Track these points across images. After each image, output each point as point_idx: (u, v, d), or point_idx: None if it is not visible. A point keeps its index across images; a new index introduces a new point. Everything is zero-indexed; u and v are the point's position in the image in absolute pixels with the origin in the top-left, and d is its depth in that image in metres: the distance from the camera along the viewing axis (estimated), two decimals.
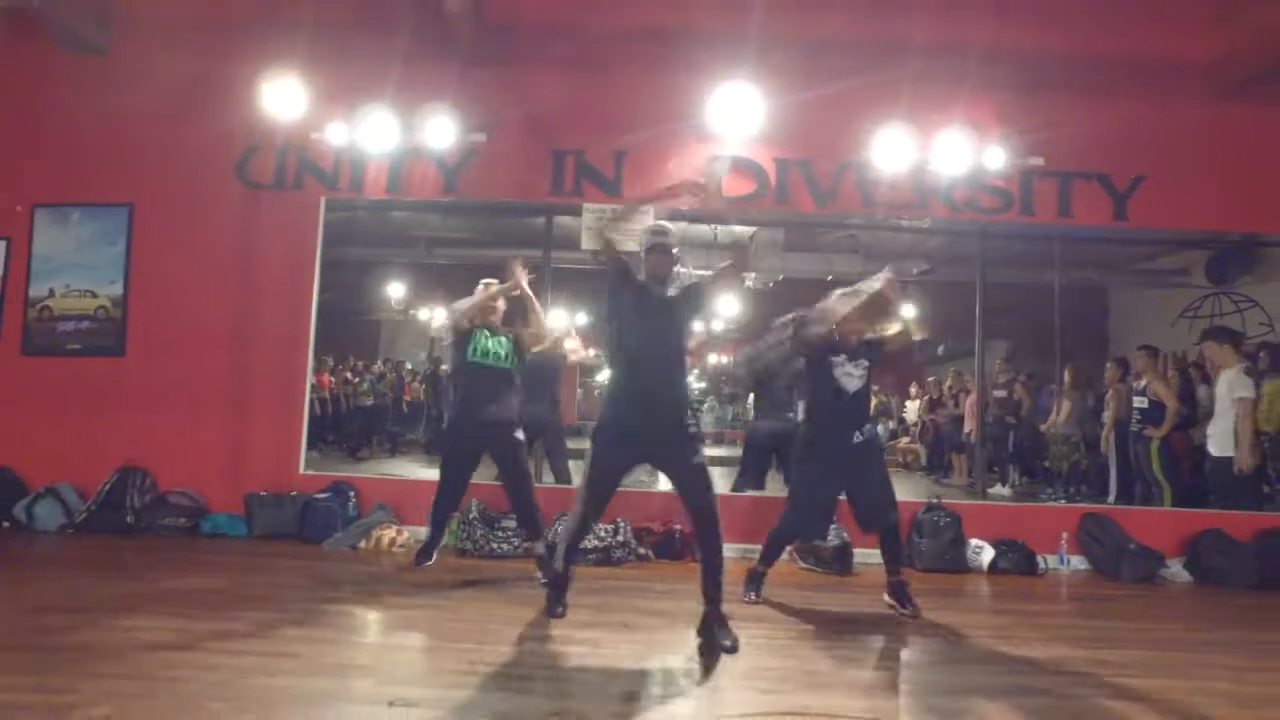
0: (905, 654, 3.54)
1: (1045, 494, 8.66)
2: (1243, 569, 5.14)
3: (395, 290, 11.35)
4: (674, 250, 3.52)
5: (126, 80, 5.73)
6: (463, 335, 4.57)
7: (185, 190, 5.74)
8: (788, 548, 4.73)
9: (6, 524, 5.39)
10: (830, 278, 8.36)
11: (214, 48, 5.73)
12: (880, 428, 12.92)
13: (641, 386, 3.40)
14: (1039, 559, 5.33)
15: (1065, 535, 5.41)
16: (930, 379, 12.02)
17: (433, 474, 4.90)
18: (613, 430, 3.42)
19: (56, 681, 2.77)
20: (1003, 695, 3.03)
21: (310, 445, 5.80)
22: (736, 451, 6.88)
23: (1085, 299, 10.13)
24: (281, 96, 5.44)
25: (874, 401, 4.45)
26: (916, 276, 9.18)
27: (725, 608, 3.45)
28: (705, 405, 11.76)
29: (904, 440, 12.33)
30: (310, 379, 5.75)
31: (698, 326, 5.28)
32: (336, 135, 5.53)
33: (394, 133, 5.47)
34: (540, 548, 4.57)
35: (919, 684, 3.16)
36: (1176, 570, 5.29)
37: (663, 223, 3.64)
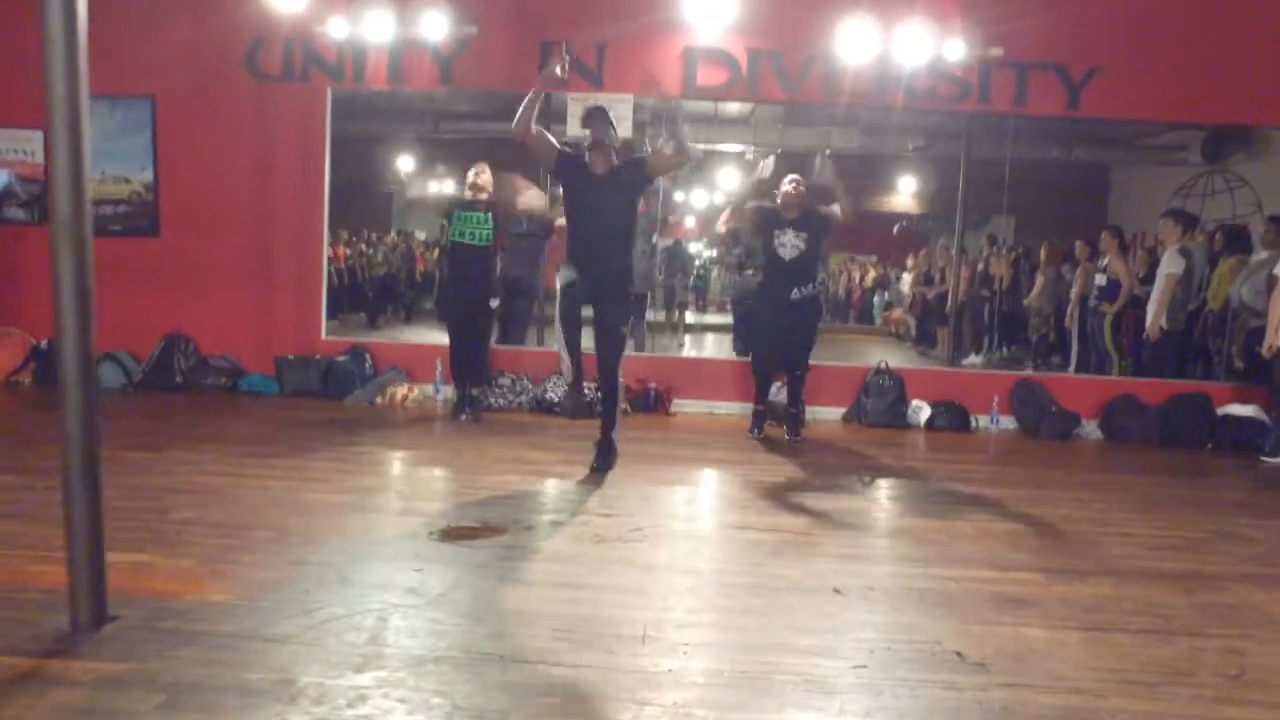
0: (814, 486, 4.35)
1: (1024, 364, 9.30)
2: (1145, 428, 5.88)
3: (405, 164, 11.79)
4: (609, 136, 4.09)
5: None
6: (446, 216, 5.33)
7: (200, 82, 6.21)
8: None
9: None
10: (828, 151, 8.76)
11: None
12: (876, 297, 13.64)
13: (582, 254, 4.13)
14: (972, 419, 6.08)
15: (996, 399, 6.14)
16: (922, 253, 12.49)
17: (441, 338, 5.81)
18: (564, 285, 4.15)
19: (150, 495, 3.62)
20: (883, 517, 3.84)
21: (330, 315, 6.54)
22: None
23: (1087, 175, 10.39)
24: None
25: (820, 271, 5.52)
26: (912, 151, 9.45)
27: (614, 436, 4.34)
28: (714, 274, 12.28)
29: (897, 311, 12.92)
30: (327, 254, 6.42)
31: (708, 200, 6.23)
32: (337, 28, 5.94)
33: (390, 25, 5.87)
34: (475, 391, 5.62)
35: (816, 509, 3.97)
36: (1090, 430, 6.03)
37: (599, 107, 4.18)
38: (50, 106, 2.22)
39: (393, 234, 13.68)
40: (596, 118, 4.10)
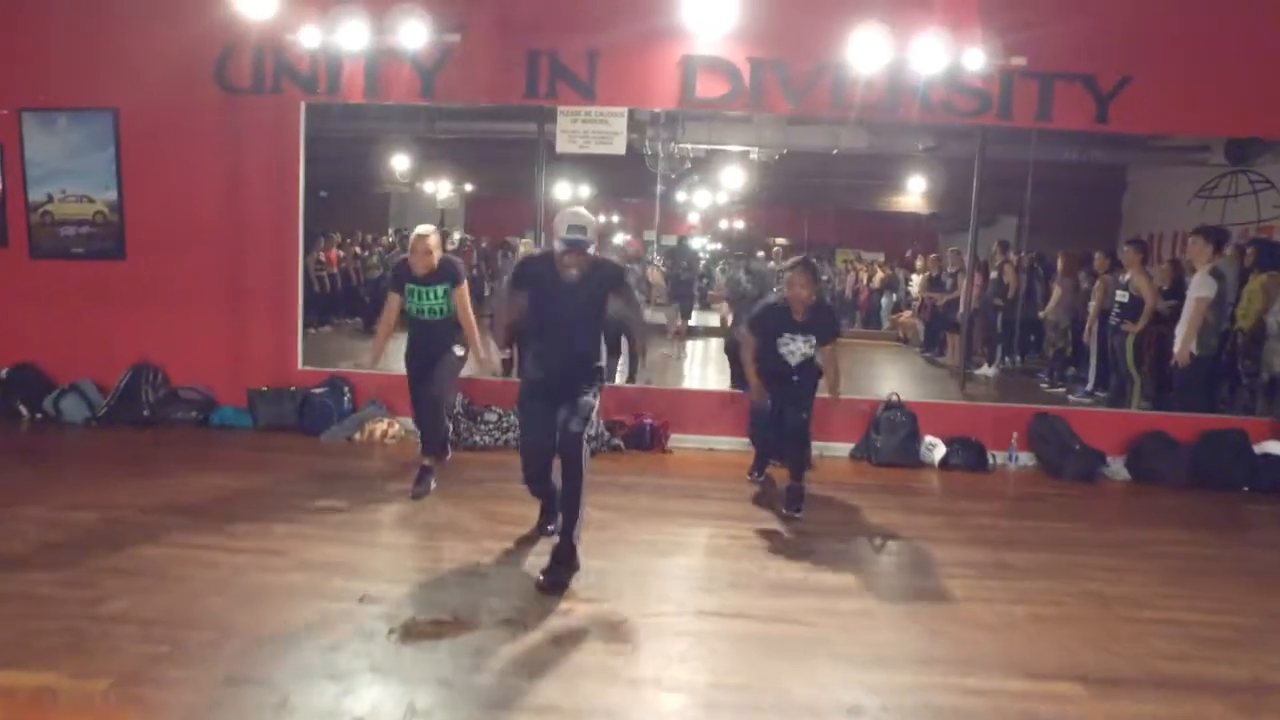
0: (817, 553, 3.97)
1: (1040, 374, 8.94)
2: (1176, 469, 5.47)
3: (400, 163, 11.48)
4: (588, 250, 3.52)
5: None
6: (397, 290, 4.52)
7: (166, 95, 5.82)
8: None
9: (39, 415, 5.89)
10: (835, 151, 8.36)
11: None
12: (884, 299, 13.23)
13: (546, 347, 3.69)
14: (989, 455, 5.69)
15: (1015, 435, 5.74)
16: (932, 255, 12.06)
17: None
18: (526, 387, 3.73)
19: (85, 577, 3.27)
20: (892, 598, 3.47)
21: (322, 322, 6.13)
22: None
23: (1102, 175, 9.97)
24: None
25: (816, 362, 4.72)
26: (922, 152, 9.09)
27: (574, 538, 3.47)
28: (718, 269, 11.86)
29: (905, 314, 12.51)
30: (308, 266, 6.04)
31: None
32: (310, 37, 5.53)
33: (366, 34, 5.46)
34: (427, 461, 4.59)
35: (821, 586, 3.59)
36: (1117, 469, 5.63)
37: (580, 214, 3.55)
38: None
39: (389, 235, 13.38)
40: (576, 233, 3.48)
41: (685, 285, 10.03)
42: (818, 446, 5.47)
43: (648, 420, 5.67)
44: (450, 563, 3.61)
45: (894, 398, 5.82)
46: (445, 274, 4.47)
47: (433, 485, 4.55)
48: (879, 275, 13.59)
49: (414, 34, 5.46)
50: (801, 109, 5.71)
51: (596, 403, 3.66)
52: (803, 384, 4.68)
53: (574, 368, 3.63)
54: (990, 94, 5.61)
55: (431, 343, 4.54)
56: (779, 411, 4.66)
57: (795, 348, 4.60)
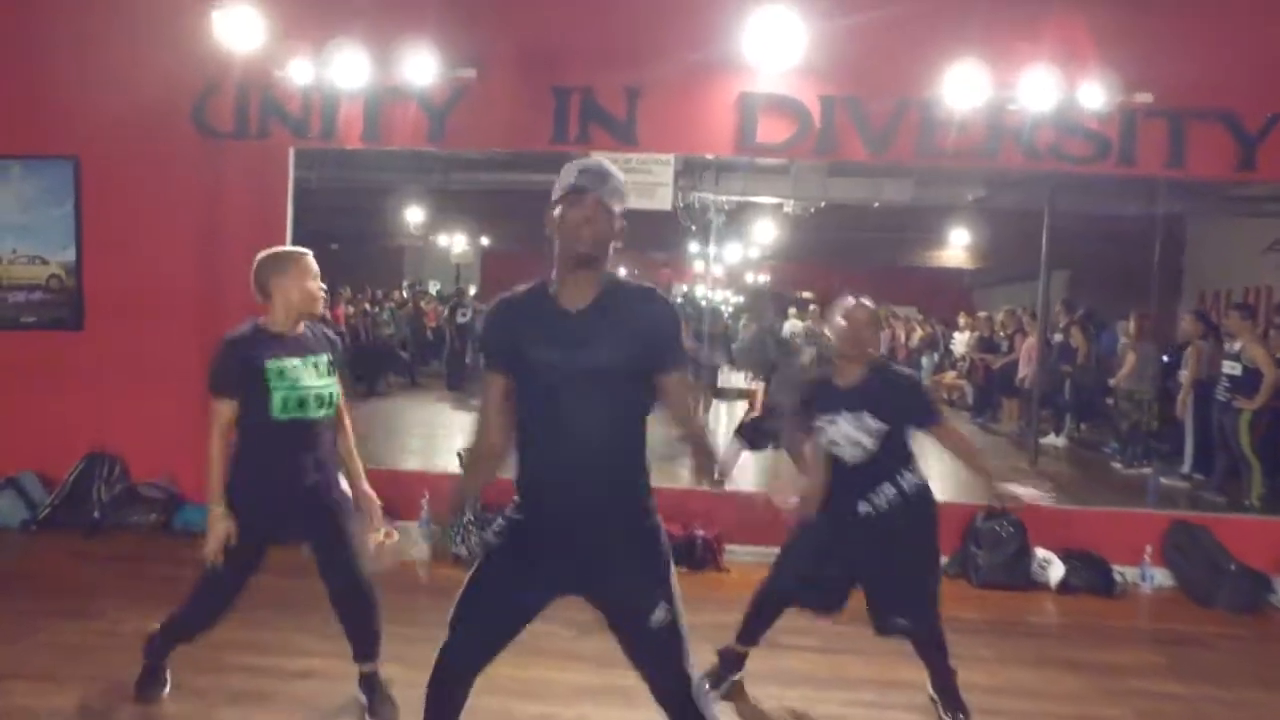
0: None
1: (1108, 449, 8.09)
2: None
3: (414, 215, 11.05)
4: (615, 208, 1.98)
5: (63, 10, 4.95)
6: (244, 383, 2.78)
7: (135, 141, 5.00)
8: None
9: None
10: (877, 204, 7.61)
11: None
12: (925, 359, 12.31)
13: (551, 476, 2.01)
14: (1116, 574, 4.63)
15: (1149, 549, 4.67)
16: (982, 314, 11.28)
17: (435, 458, 4.25)
18: (502, 532, 2.08)
19: None
20: None
21: None
22: None
23: (1156, 226, 9.29)
24: (237, 27, 4.64)
25: (899, 455, 2.97)
26: (972, 202, 8.42)
27: None
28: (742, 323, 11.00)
29: (950, 375, 11.69)
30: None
31: None
32: (301, 73, 4.73)
33: (366, 69, 4.66)
34: (365, 668, 2.92)
35: None
36: None
37: (594, 160, 2.07)
38: None
39: (402, 290, 12.79)
40: (588, 178, 1.94)
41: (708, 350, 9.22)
42: None
43: (699, 533, 4.64)
44: None
45: (997, 503, 4.78)
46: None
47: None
48: (918, 333, 12.77)
49: (422, 69, 4.64)
50: (883, 156, 4.80)
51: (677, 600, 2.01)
52: (888, 543, 2.90)
53: (602, 503, 1.98)
54: (1108, 137, 4.69)
55: (301, 481, 2.84)
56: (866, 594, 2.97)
57: (843, 432, 2.89)
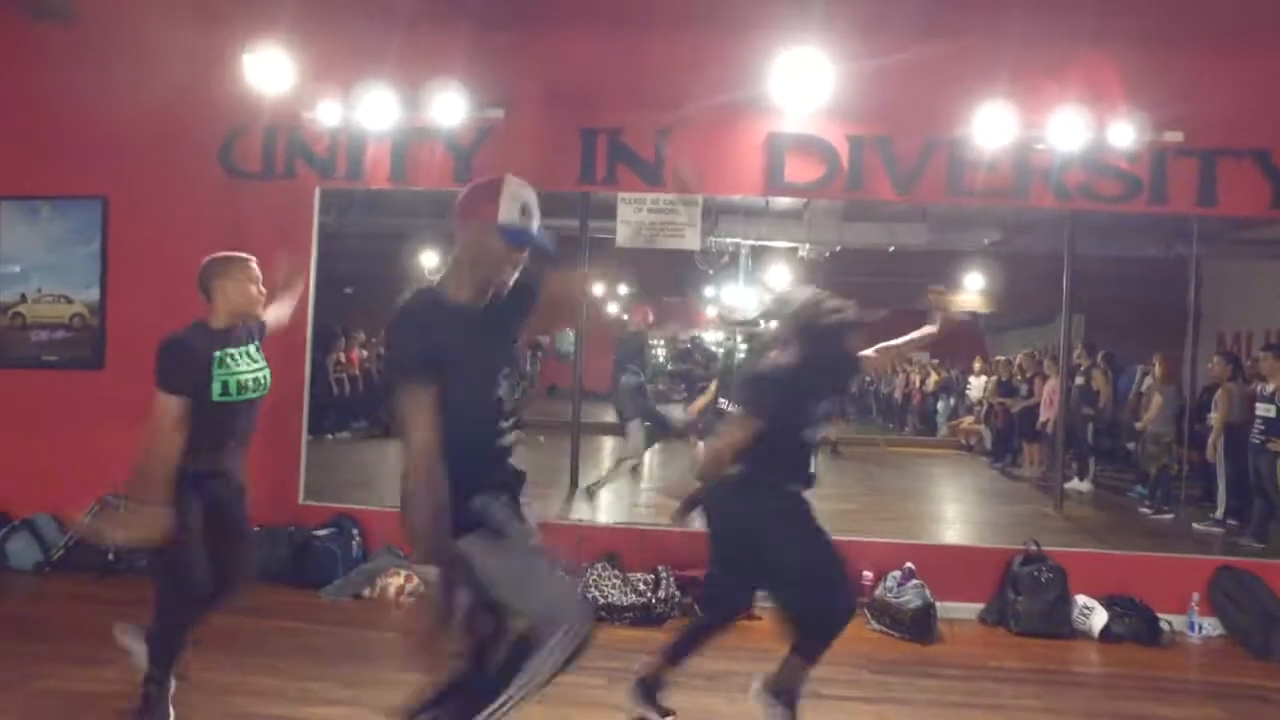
0: None
1: (1133, 491, 7.94)
2: None
3: (429, 259, 11.04)
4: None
5: (94, 53, 5.00)
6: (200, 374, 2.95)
7: (164, 181, 5.02)
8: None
9: None
10: (892, 249, 7.68)
11: (191, 14, 4.94)
12: (941, 403, 12.22)
13: (497, 455, 2.30)
14: (1162, 622, 4.46)
15: (1196, 597, 4.51)
16: (999, 358, 11.19)
17: None
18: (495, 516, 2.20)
19: None
20: None
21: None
22: None
23: (1172, 268, 9.27)
24: (267, 70, 4.68)
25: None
26: (988, 245, 8.31)
27: None
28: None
29: (967, 420, 11.56)
30: (308, 391, 5.12)
31: None
32: (329, 115, 4.75)
33: (395, 110, 4.68)
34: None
35: None
36: None
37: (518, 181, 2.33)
38: None
39: None
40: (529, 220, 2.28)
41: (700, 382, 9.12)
42: (941, 606, 4.32)
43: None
44: None
45: (1032, 545, 4.65)
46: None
47: None
48: (933, 378, 12.67)
49: (449, 110, 4.67)
50: (911, 196, 4.77)
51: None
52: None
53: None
54: (1138, 176, 4.66)
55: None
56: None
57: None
